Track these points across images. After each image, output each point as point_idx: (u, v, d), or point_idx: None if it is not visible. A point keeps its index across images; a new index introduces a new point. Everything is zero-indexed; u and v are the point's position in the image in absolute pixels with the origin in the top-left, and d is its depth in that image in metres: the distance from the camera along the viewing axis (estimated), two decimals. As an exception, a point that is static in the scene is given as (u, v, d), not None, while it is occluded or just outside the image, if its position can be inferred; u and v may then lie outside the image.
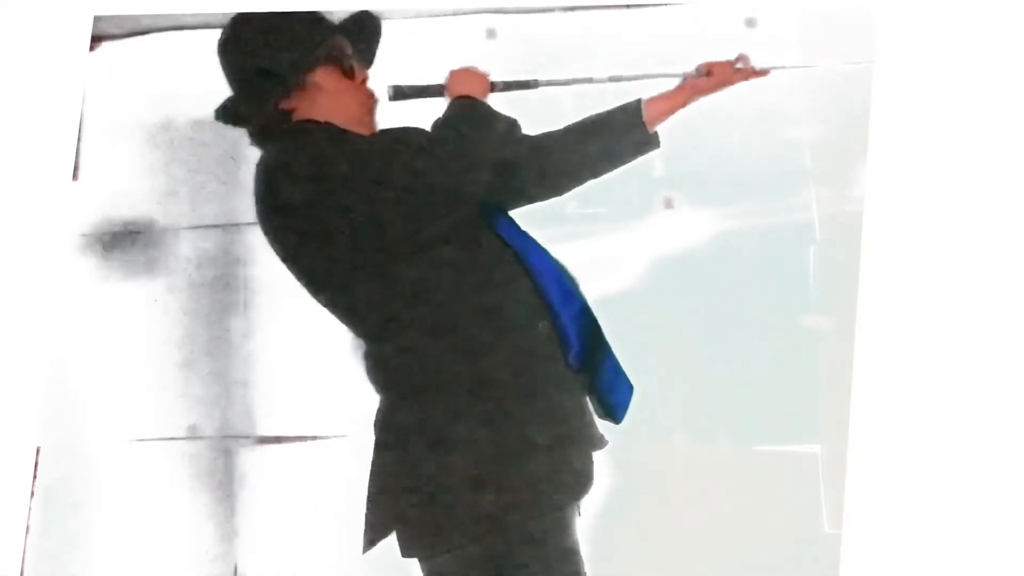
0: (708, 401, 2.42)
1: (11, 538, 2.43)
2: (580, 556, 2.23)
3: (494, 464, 2.20)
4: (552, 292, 2.27)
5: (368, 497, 2.26)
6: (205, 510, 2.53)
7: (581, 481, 2.24)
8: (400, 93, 2.43)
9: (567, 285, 2.30)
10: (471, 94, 2.37)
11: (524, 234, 2.33)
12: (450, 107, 2.37)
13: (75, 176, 2.63)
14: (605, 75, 2.44)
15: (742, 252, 2.57)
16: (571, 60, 2.49)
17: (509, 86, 2.44)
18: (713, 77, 2.44)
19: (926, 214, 2.46)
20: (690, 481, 2.44)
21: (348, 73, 2.38)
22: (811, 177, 2.58)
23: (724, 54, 2.51)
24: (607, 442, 2.29)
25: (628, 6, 2.64)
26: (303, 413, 2.57)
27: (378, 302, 2.25)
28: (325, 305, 2.32)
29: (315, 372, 2.58)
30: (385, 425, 2.27)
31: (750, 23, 2.65)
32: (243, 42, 2.36)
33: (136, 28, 2.71)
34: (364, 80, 2.41)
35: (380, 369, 2.28)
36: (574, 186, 2.40)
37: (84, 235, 2.62)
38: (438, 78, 2.46)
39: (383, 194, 2.25)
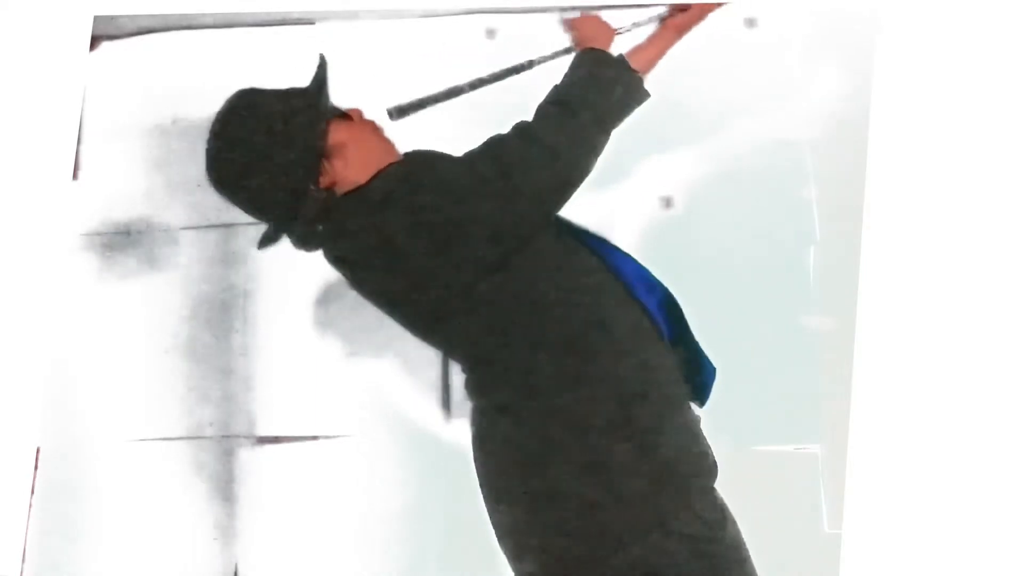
0: (708, 401, 2.42)
1: (11, 538, 2.43)
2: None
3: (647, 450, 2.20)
4: (636, 285, 2.29)
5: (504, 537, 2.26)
6: (205, 510, 2.53)
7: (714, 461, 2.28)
8: (401, 111, 2.43)
9: (647, 276, 2.32)
10: (598, 44, 2.36)
11: (590, 232, 2.35)
12: (577, 66, 2.34)
13: (75, 176, 2.63)
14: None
15: (742, 252, 2.57)
16: (571, 60, 2.49)
17: (501, 75, 2.45)
18: (691, 11, 2.45)
19: (926, 214, 2.46)
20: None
21: (348, 117, 2.36)
22: (811, 177, 2.58)
23: (724, 54, 2.51)
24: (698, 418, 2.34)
25: (628, 6, 2.64)
26: (303, 413, 2.57)
27: (484, 319, 2.25)
28: (428, 338, 2.35)
29: (315, 372, 2.58)
30: (502, 438, 2.26)
31: (750, 23, 2.65)
32: (242, 154, 2.29)
33: (136, 28, 2.71)
34: (361, 115, 2.39)
35: (490, 383, 2.28)
36: (586, 162, 2.35)
37: (84, 235, 2.62)
38: (436, 80, 2.46)
39: (476, 216, 2.23)
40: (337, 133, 2.31)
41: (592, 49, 2.37)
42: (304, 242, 2.35)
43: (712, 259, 2.56)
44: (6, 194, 2.57)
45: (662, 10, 2.45)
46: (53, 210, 2.58)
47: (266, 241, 2.35)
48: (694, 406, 2.36)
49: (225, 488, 2.54)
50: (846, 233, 2.47)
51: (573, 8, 2.66)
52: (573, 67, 2.38)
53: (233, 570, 2.51)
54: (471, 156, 2.29)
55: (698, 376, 2.33)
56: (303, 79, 2.46)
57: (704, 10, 2.48)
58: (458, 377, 2.54)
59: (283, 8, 2.68)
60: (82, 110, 2.64)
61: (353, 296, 2.61)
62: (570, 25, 2.42)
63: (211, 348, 2.59)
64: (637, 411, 2.23)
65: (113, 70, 2.69)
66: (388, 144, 2.37)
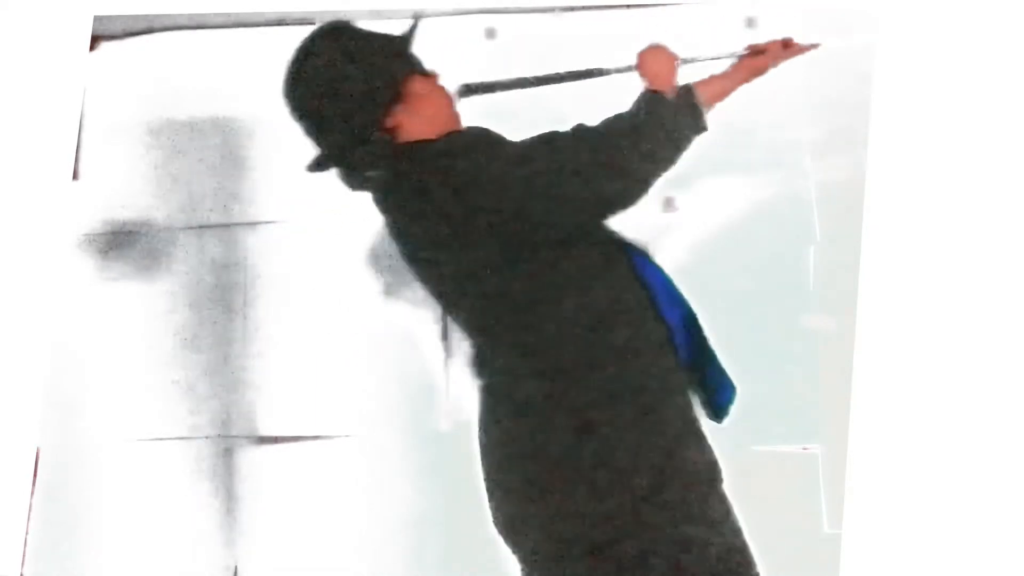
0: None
1: (11, 538, 2.43)
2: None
3: (641, 452, 2.20)
4: (660, 296, 2.29)
5: (496, 513, 2.26)
6: (205, 510, 2.53)
7: (717, 467, 2.27)
8: (470, 90, 2.43)
9: (672, 291, 2.31)
10: (660, 88, 2.35)
11: (628, 240, 2.34)
12: (641, 104, 2.34)
13: (75, 176, 2.63)
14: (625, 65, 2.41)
15: (742, 252, 2.57)
16: (571, 60, 2.49)
17: (575, 75, 2.43)
18: (767, 55, 2.43)
19: (926, 214, 2.46)
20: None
21: (429, 75, 2.37)
22: (811, 177, 2.59)
23: (724, 54, 2.52)
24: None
25: (628, 6, 2.64)
26: (303, 413, 2.57)
27: (509, 304, 2.25)
28: (448, 311, 2.34)
29: (315, 372, 2.58)
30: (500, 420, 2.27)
31: (750, 23, 2.65)
32: (322, 80, 2.30)
33: (136, 28, 2.71)
34: (438, 78, 2.40)
35: (491, 362, 2.28)
36: (649, 184, 2.35)
37: (84, 235, 2.62)
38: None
39: (532, 194, 2.24)
40: (414, 84, 2.33)
41: (654, 93, 2.37)
42: (351, 180, 2.36)
43: (712, 259, 2.56)
44: (6, 194, 2.57)
45: (739, 50, 2.42)
46: (53, 210, 2.58)
47: (315, 166, 2.34)
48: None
49: (225, 488, 2.54)
50: (846, 233, 2.47)
51: (573, 8, 2.66)
52: (635, 106, 2.38)
53: (233, 570, 2.51)
54: (528, 144, 2.31)
55: (716, 395, 2.32)
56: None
57: (778, 55, 2.45)
58: (459, 377, 2.54)
59: (283, 8, 2.69)
60: (82, 110, 2.64)
61: (353, 296, 2.61)
62: (638, 56, 2.41)
63: (211, 348, 2.59)
64: (640, 415, 2.23)
65: (113, 70, 2.69)
66: (456, 113, 2.39)
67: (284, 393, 2.58)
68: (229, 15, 2.71)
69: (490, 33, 2.70)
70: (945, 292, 2.41)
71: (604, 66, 2.41)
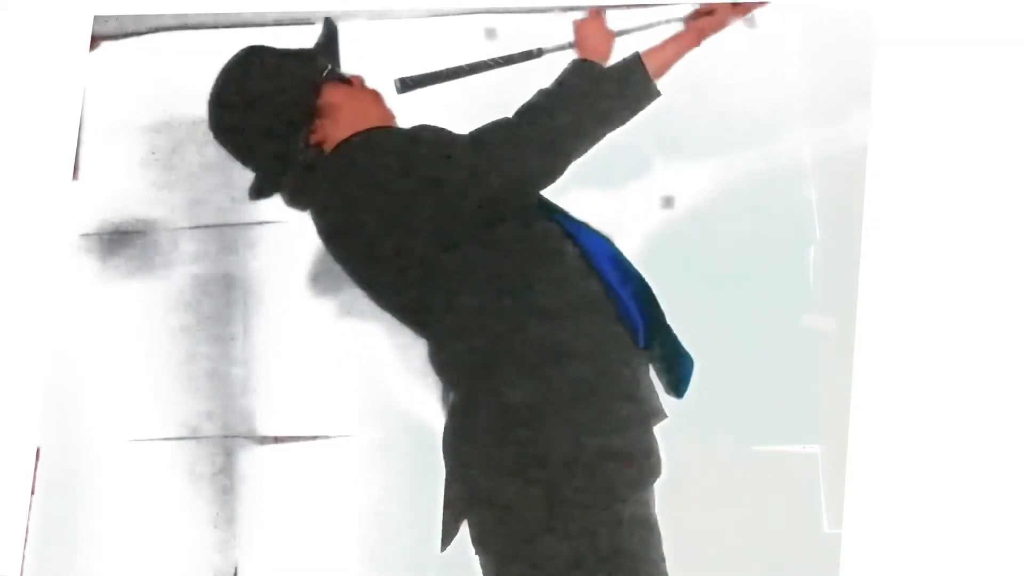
0: (708, 401, 2.42)
1: (11, 538, 2.43)
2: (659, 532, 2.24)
3: (583, 440, 2.18)
4: (608, 272, 2.28)
5: (447, 493, 2.26)
6: (205, 510, 2.53)
7: (657, 460, 2.25)
8: (406, 85, 2.46)
9: (623, 264, 2.31)
10: (593, 57, 2.38)
11: (570, 216, 2.34)
12: (569, 73, 2.37)
13: (75, 176, 2.63)
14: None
15: (742, 252, 2.57)
16: (570, 60, 2.49)
17: (510, 59, 2.46)
18: (716, 16, 2.46)
19: (926, 214, 2.46)
20: (690, 481, 2.43)
21: (348, 82, 2.40)
22: (811, 178, 2.59)
23: (724, 54, 2.52)
24: (666, 415, 2.31)
25: (628, 6, 2.64)
26: (303, 413, 2.57)
27: (443, 292, 2.25)
28: (390, 309, 2.35)
29: (315, 372, 2.58)
30: (460, 411, 2.27)
31: (750, 23, 2.65)
32: (240, 103, 2.35)
33: (136, 28, 2.71)
34: (362, 82, 2.43)
35: (452, 360, 2.28)
36: (575, 156, 2.37)
37: (84, 235, 2.62)
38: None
39: (450, 183, 2.25)
40: (332, 94, 2.37)
41: (583, 62, 2.39)
42: (292, 199, 2.40)
43: (712, 259, 2.56)
44: (6, 194, 2.57)
45: (682, 12, 2.45)
46: (53, 210, 2.58)
47: (256, 192, 2.41)
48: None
49: (225, 488, 2.54)
50: (846, 233, 2.47)
51: (573, 8, 2.66)
52: (562, 75, 2.40)
53: (233, 570, 2.51)
54: (473, 131, 2.33)
55: (676, 370, 2.32)
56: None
57: (727, 15, 2.48)
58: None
59: (283, 8, 2.68)
60: (82, 110, 2.64)
61: (353, 296, 2.61)
62: (574, 28, 2.44)
63: (211, 348, 2.59)
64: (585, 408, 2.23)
65: (113, 70, 2.69)
66: (386, 114, 2.41)
67: (284, 393, 2.58)
68: (229, 15, 2.71)
69: (490, 33, 2.70)
70: (945, 292, 2.41)
71: (542, 46, 2.45)
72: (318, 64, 2.39)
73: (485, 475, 2.21)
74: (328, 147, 2.35)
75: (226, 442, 2.55)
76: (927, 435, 2.36)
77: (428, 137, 2.31)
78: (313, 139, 2.35)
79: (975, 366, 2.38)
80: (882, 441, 2.36)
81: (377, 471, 2.54)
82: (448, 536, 2.28)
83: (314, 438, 2.56)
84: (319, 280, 2.61)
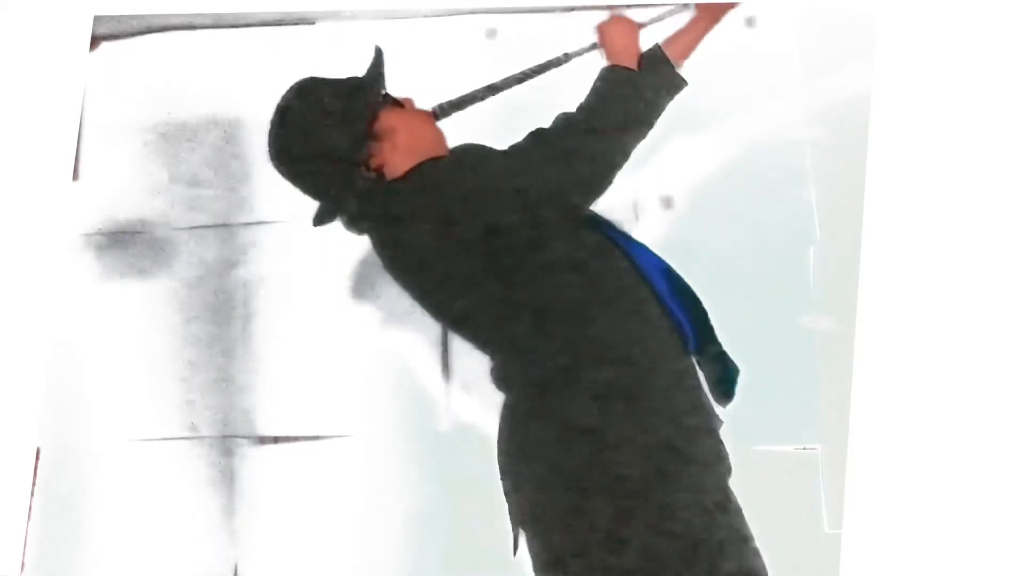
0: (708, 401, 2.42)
1: (11, 538, 2.43)
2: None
3: (658, 456, 2.21)
4: (659, 283, 2.33)
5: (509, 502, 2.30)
6: (205, 510, 2.53)
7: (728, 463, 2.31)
8: (444, 111, 2.51)
9: (671, 275, 2.36)
10: (623, 60, 2.40)
11: (617, 228, 2.39)
12: (605, 83, 2.41)
13: (75, 176, 2.63)
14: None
15: (742, 252, 2.57)
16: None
17: (540, 69, 2.48)
18: None
19: (926, 214, 2.46)
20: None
21: (401, 104, 2.44)
22: (811, 177, 2.58)
23: (723, 54, 2.52)
24: (722, 422, 2.36)
25: (628, 6, 2.64)
26: (303, 413, 2.57)
27: (504, 313, 2.29)
28: (452, 326, 2.41)
29: (315, 372, 2.58)
30: (520, 422, 2.30)
31: (750, 23, 2.65)
32: (300, 134, 2.40)
33: (136, 28, 2.71)
34: (412, 104, 2.47)
35: (515, 374, 2.32)
36: (620, 166, 2.42)
37: (84, 235, 2.62)
38: (436, 80, 2.50)
39: (512, 205, 2.29)
40: (388, 119, 2.42)
41: (613, 68, 2.43)
42: (353, 224, 2.45)
43: (712, 259, 2.56)
44: (6, 194, 2.57)
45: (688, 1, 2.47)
46: (53, 210, 2.58)
47: (320, 219, 2.45)
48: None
49: (225, 488, 2.54)
50: (846, 233, 2.47)
51: (573, 8, 2.66)
52: (596, 86, 2.44)
53: (233, 570, 2.51)
54: (515, 148, 2.37)
55: (724, 377, 2.36)
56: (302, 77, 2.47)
57: None
58: (459, 378, 2.54)
59: (283, 8, 2.69)
60: (82, 110, 2.64)
61: (353, 296, 2.61)
62: (597, 30, 2.47)
63: (211, 348, 2.59)
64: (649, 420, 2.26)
65: (113, 70, 2.69)
66: (439, 135, 2.47)
67: (284, 393, 2.57)
68: (229, 15, 2.71)
69: (490, 33, 2.70)
70: (945, 292, 2.41)
71: (567, 51, 2.46)
72: (374, 89, 2.44)
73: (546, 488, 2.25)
74: (389, 171, 2.39)
75: (226, 442, 2.55)
76: (927, 435, 2.36)
77: (498, 163, 2.35)
78: (373, 164, 2.39)
79: (975, 366, 2.38)
80: (882, 441, 2.36)
81: (377, 471, 2.54)
82: (517, 542, 2.33)
83: (314, 438, 2.56)
84: (319, 280, 2.61)
